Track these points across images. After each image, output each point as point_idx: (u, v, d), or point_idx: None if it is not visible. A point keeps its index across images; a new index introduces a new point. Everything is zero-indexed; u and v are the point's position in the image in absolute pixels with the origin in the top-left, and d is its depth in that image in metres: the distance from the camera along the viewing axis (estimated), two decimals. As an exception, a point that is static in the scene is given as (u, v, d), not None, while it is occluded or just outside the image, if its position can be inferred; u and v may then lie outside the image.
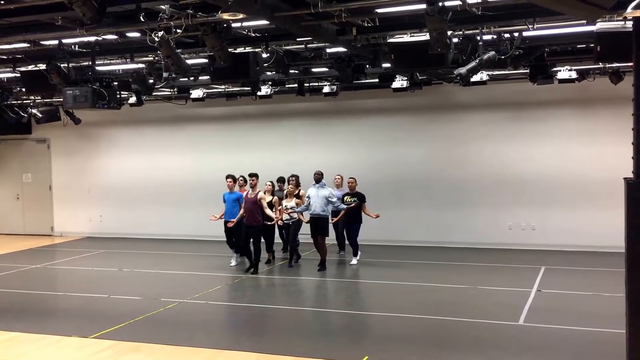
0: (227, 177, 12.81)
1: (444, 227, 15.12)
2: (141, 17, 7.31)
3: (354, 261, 13.02)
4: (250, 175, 12.66)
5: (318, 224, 12.50)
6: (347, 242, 13.46)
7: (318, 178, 12.62)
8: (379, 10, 8.02)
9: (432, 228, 15.19)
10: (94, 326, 8.83)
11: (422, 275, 12.19)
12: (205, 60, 10.11)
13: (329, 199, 12.36)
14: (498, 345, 7.84)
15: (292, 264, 13.01)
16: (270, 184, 13.17)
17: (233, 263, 13.13)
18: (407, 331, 8.53)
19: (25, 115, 16.13)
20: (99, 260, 14.60)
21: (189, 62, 9.22)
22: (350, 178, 13.25)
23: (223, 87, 14.56)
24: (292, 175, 13.28)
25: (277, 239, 14.01)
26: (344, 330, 8.84)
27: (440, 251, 14.46)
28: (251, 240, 12.36)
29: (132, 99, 14.01)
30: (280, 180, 14.05)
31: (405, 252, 14.50)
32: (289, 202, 12.88)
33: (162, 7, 7.02)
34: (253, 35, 9.00)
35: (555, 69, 11.89)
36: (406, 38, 8.23)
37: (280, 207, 12.84)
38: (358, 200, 12.97)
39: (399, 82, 12.61)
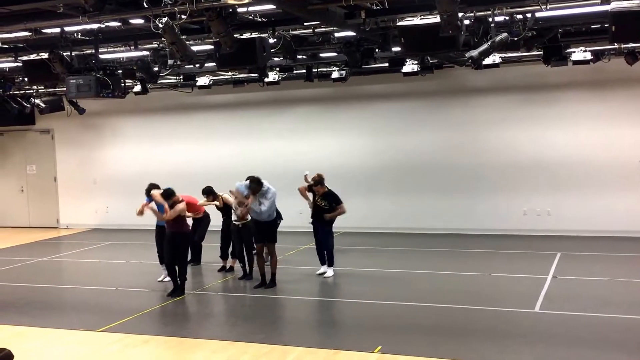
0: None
1: (457, 214, 14.89)
2: (144, 3, 7.14)
3: (330, 272, 11.06)
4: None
5: (266, 230, 10.48)
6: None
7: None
8: (388, -8, 7.82)
9: (445, 215, 14.96)
10: (101, 319, 8.72)
11: (435, 263, 12.03)
12: (211, 47, 9.93)
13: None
14: (514, 333, 7.68)
15: (249, 275, 11.02)
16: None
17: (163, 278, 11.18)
18: (420, 320, 8.39)
19: (29, 105, 15.95)
20: (106, 252, 14.51)
21: (194, 48, 9.06)
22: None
23: (230, 74, 14.35)
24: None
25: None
26: (356, 320, 8.69)
27: (454, 238, 14.25)
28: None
29: (137, 88, 13.86)
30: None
31: (417, 240, 14.32)
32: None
33: (166, -9, 6.86)
34: (259, 20, 8.81)
35: (569, 50, 11.63)
36: (416, 21, 7.99)
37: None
38: (331, 204, 10.84)
39: (410, 66, 12.35)
